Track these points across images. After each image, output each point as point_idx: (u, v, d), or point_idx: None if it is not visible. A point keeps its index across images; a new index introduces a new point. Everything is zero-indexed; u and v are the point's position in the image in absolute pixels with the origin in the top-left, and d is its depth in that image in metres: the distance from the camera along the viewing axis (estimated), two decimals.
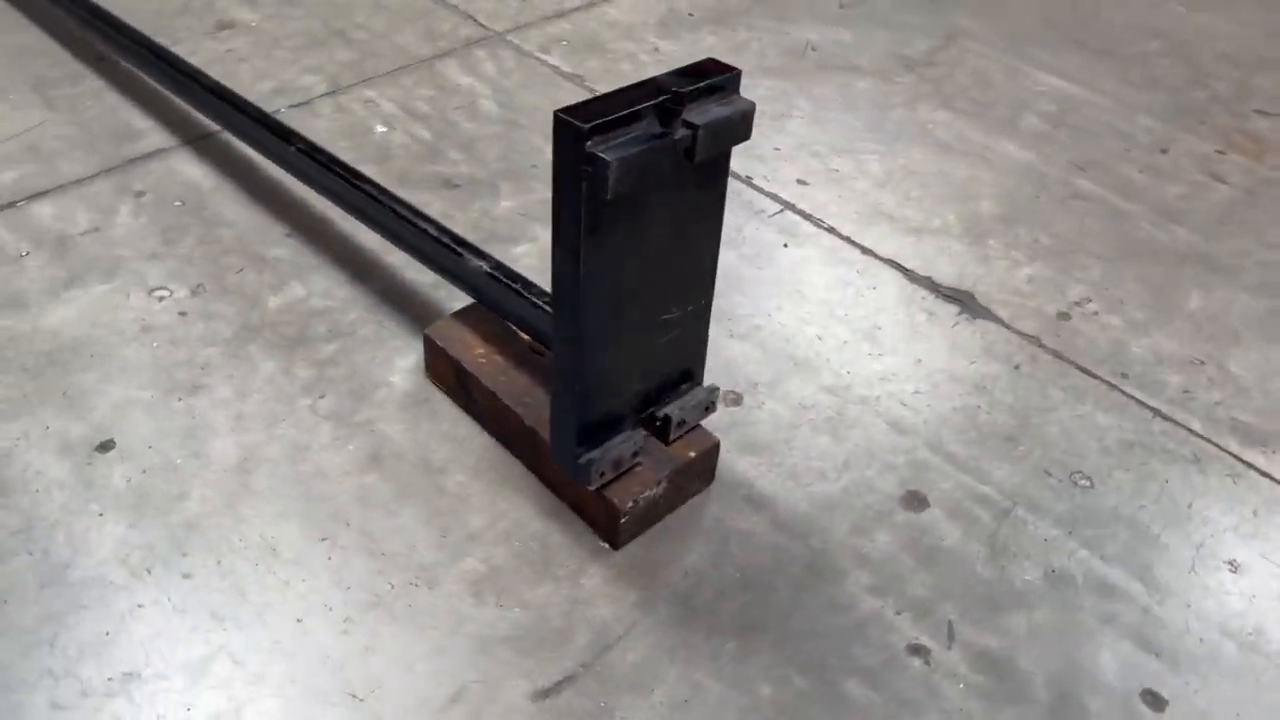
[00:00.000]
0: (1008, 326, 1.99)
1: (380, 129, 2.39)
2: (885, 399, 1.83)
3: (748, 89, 1.36)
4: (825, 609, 1.50)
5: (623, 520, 1.53)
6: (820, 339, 1.94)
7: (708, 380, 1.62)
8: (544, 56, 2.71)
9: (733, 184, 2.15)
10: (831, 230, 2.20)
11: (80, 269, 1.95)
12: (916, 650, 1.46)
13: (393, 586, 1.48)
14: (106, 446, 1.64)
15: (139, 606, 1.43)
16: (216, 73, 2.24)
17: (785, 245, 2.15)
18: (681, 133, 1.26)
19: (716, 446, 1.63)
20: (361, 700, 1.35)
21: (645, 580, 1.53)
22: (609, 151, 1.19)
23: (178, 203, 2.12)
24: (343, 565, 1.50)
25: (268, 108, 2.22)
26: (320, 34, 2.73)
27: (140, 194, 2.14)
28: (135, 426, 1.67)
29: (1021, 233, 2.23)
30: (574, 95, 2.52)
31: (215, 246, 2.03)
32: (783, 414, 1.79)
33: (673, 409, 1.55)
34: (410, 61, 2.64)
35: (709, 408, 1.61)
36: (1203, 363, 1.95)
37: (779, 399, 1.81)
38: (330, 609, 1.45)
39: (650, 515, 1.58)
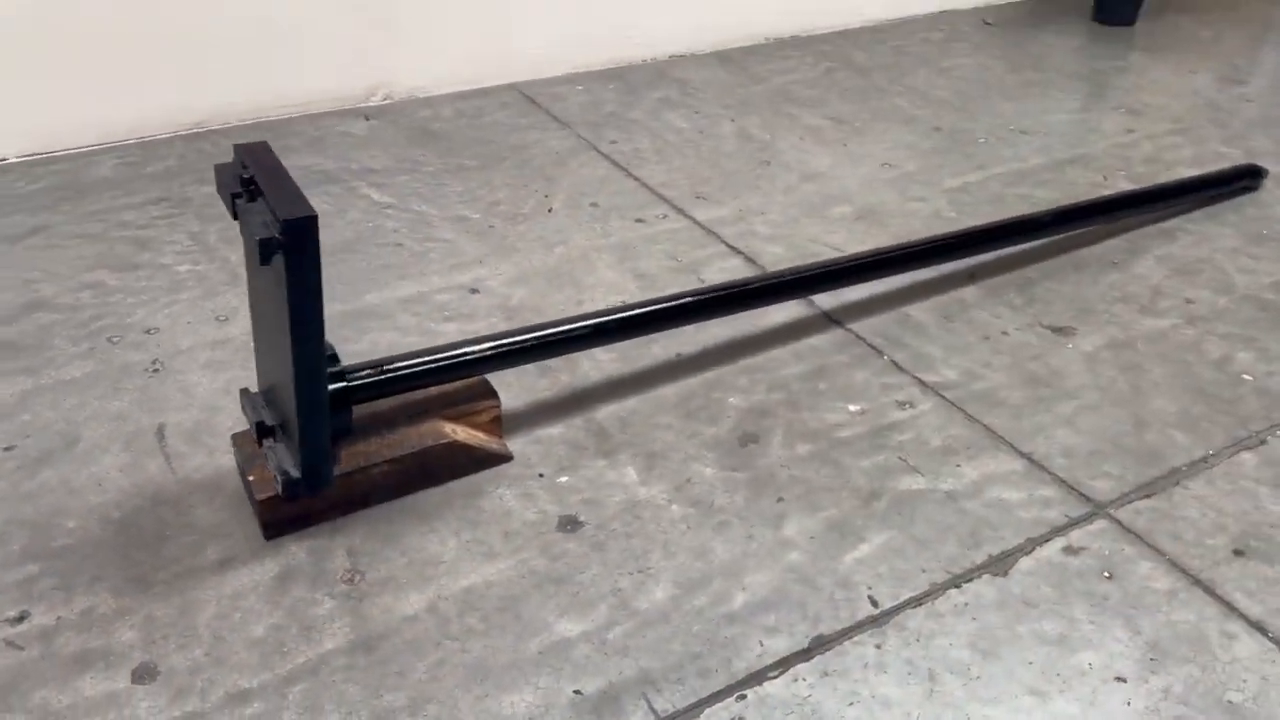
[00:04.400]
0: None
1: None
2: None
3: None
4: None
5: (232, 450, 2.01)
6: None
7: None
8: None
9: None
10: None
11: None
12: None
13: None
14: None
15: None
16: None
17: None
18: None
19: (260, 501, 1.86)
20: None
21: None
22: (230, 163, 1.73)
23: None
24: None
25: None
26: None
27: None
28: None
29: None
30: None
31: None
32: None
33: (274, 449, 1.88)
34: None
35: (282, 484, 1.84)
36: None
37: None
38: None
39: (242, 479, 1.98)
